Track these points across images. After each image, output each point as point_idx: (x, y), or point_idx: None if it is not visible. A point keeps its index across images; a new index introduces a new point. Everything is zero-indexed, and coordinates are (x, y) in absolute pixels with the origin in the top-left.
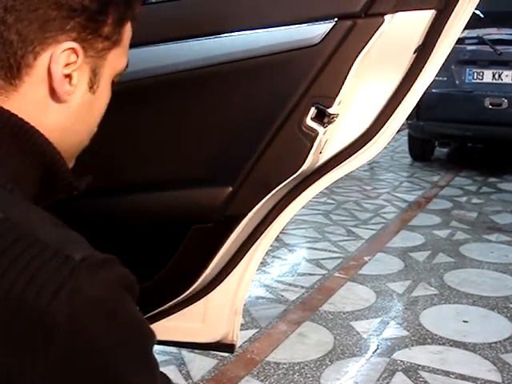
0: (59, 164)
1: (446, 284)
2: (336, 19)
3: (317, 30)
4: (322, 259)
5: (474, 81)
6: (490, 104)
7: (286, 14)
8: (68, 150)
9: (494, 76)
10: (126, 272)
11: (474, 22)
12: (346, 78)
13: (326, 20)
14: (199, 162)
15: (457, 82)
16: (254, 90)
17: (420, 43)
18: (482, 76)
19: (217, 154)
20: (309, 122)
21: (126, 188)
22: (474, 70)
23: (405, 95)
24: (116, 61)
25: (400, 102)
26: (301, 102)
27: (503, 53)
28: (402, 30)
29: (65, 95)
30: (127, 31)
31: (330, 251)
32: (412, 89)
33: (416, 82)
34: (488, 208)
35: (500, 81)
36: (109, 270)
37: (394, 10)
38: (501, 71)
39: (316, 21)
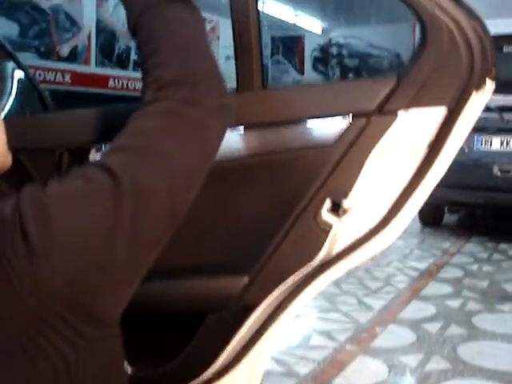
0: None
1: (459, 357)
2: (351, 117)
3: (333, 128)
4: (334, 331)
5: (482, 148)
6: (499, 171)
7: (306, 111)
8: None
9: (502, 143)
10: None
11: None
12: (360, 173)
13: (342, 117)
14: (216, 250)
15: (466, 149)
16: (272, 183)
17: (432, 138)
18: (491, 143)
19: (234, 244)
20: (324, 214)
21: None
22: (483, 137)
23: (417, 187)
24: None
25: (413, 193)
26: (316, 195)
27: (510, 120)
28: (414, 126)
29: None
30: None
31: (341, 322)
32: (424, 181)
33: (428, 174)
34: (499, 276)
35: (508, 148)
36: None
37: (408, 107)
38: (509, 138)
39: (332, 117)
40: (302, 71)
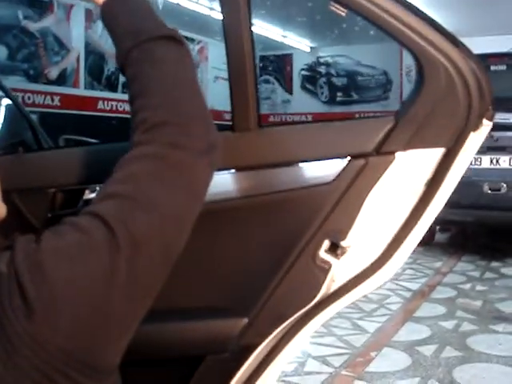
0: None
1: (455, 381)
2: (349, 158)
3: (331, 168)
4: (329, 356)
5: (472, 166)
6: (489, 189)
7: (303, 153)
8: None
9: (491, 161)
10: None
11: None
12: (358, 213)
13: (340, 158)
14: (215, 291)
15: None
16: (270, 224)
17: (430, 177)
18: (481, 161)
19: (233, 284)
20: (322, 254)
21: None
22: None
23: (415, 223)
24: None
25: (411, 230)
26: (315, 236)
27: (499, 138)
28: (412, 167)
29: None
30: None
31: (336, 347)
32: (422, 217)
33: (426, 211)
34: (493, 295)
35: (498, 166)
36: None
37: (406, 148)
38: (498, 156)
39: (330, 159)
40: (290, 90)
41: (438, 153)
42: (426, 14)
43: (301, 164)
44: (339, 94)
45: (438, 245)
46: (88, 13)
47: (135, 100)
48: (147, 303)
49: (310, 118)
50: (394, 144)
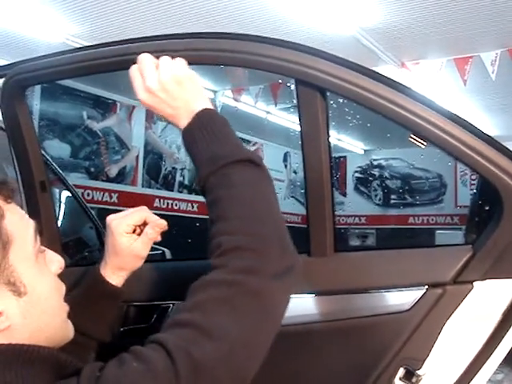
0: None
1: None
2: (427, 287)
3: (408, 297)
4: None
5: None
6: None
7: (380, 280)
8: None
9: None
10: None
11: None
12: (435, 341)
13: (417, 287)
14: None
15: None
16: (347, 349)
17: (507, 307)
18: None
19: None
20: (398, 382)
21: None
22: None
23: (491, 353)
24: (22, 252)
25: (486, 360)
26: (391, 363)
27: None
28: (490, 296)
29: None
30: (10, 224)
31: None
32: (498, 347)
33: (502, 341)
34: None
35: None
36: None
37: (484, 278)
38: None
39: (407, 288)
40: (344, 193)
41: None
42: (502, 144)
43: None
44: (393, 196)
45: None
46: (149, 113)
47: (213, 225)
48: None
49: (363, 220)
50: (471, 274)
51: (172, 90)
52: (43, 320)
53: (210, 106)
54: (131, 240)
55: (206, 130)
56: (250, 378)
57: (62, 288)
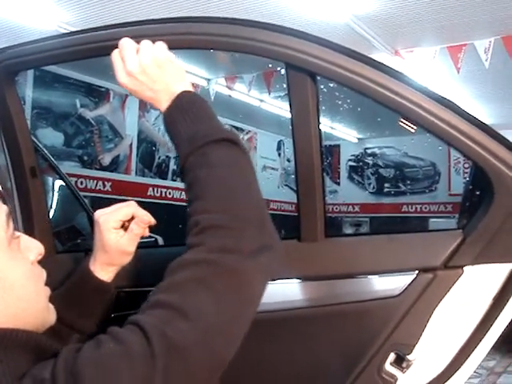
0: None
1: None
2: (417, 272)
3: (399, 282)
4: None
5: None
6: None
7: (371, 266)
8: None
9: None
10: None
11: None
12: (425, 326)
13: (408, 272)
14: None
15: None
16: (336, 334)
17: (498, 292)
18: None
19: None
20: (388, 367)
21: None
22: None
23: (481, 338)
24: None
25: (477, 344)
26: (381, 349)
27: None
28: (480, 281)
29: None
30: None
31: None
32: (488, 332)
33: (492, 325)
34: None
35: None
36: None
37: (474, 263)
38: None
39: (398, 273)
40: (337, 181)
41: (506, 268)
42: (493, 130)
43: (368, 277)
44: (386, 184)
45: None
46: (142, 102)
47: (191, 204)
48: None
49: (357, 208)
50: (462, 259)
51: (152, 73)
52: (20, 306)
53: (190, 89)
54: (118, 236)
55: (186, 111)
56: (227, 358)
57: (42, 274)
